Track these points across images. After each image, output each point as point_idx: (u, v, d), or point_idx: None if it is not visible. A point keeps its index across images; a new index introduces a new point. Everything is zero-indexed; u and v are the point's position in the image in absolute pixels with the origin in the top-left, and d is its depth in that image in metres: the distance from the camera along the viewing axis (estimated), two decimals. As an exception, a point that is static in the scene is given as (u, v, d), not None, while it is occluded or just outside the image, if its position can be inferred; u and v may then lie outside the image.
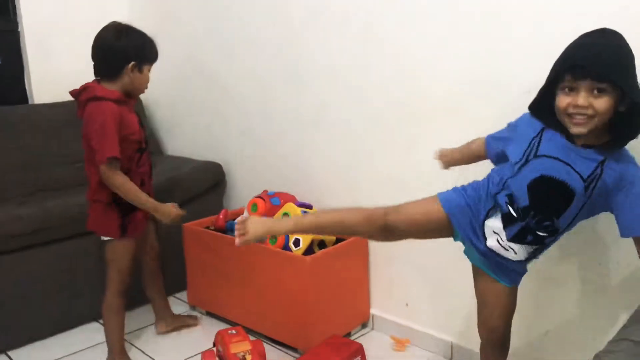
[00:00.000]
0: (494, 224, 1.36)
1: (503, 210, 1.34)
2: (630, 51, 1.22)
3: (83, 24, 2.90)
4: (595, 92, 1.20)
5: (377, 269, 2.16)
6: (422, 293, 2.03)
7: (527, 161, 1.31)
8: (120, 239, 1.88)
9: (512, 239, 1.35)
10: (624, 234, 1.27)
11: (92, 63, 1.90)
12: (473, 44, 1.75)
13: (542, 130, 1.32)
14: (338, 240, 2.12)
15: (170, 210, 1.94)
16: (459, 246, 1.86)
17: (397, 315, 2.13)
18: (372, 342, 2.10)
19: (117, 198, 1.84)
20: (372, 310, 2.21)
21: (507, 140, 1.41)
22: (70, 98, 2.71)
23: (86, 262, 2.26)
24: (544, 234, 1.33)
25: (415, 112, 1.94)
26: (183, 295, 2.54)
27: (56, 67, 2.84)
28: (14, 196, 2.42)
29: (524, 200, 1.30)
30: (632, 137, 1.25)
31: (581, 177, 1.25)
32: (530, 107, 1.34)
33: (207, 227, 2.39)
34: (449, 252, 1.89)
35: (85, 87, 1.86)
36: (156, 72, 3.11)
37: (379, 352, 2.01)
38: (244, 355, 1.75)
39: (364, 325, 2.22)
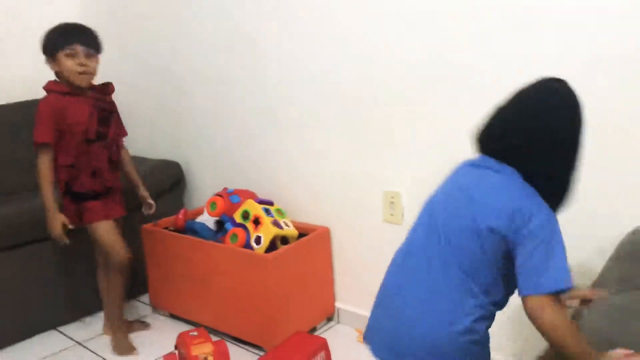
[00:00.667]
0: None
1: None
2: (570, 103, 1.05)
3: (35, 26, 2.82)
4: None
5: (341, 262, 2.16)
6: (386, 285, 2.03)
7: None
8: (86, 225, 1.99)
9: None
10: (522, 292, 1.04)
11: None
12: (431, 34, 1.74)
13: None
14: (301, 235, 2.10)
15: (55, 225, 1.90)
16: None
17: (363, 308, 2.12)
18: (338, 335, 2.09)
19: (68, 187, 1.95)
20: (337, 304, 2.20)
21: None
22: (24, 99, 2.66)
23: (43, 268, 2.19)
24: None
25: (371, 109, 1.93)
26: (145, 298, 2.49)
27: (7, 68, 2.75)
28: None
29: None
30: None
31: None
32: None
33: (166, 228, 2.34)
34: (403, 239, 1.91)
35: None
36: (112, 71, 3.05)
37: (344, 345, 2.01)
38: (205, 357, 1.72)
39: (329, 319, 2.22)
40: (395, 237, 1.92)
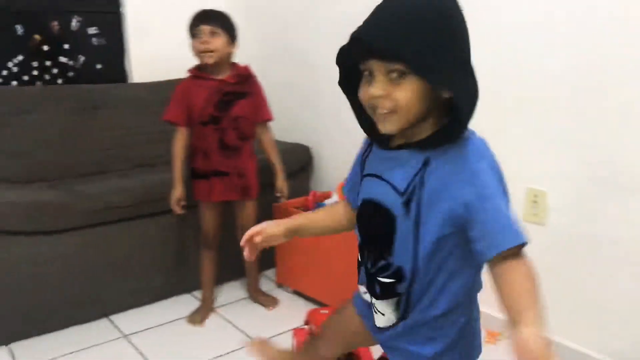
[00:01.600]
0: (362, 283, 1.06)
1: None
2: (446, 17, 0.87)
3: (180, 7, 3.01)
4: (395, 75, 0.86)
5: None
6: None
7: (359, 188, 1.02)
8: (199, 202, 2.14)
9: (369, 293, 1.02)
10: (481, 259, 0.90)
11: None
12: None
13: (370, 145, 1.04)
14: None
15: (172, 197, 2.08)
16: (560, 239, 1.80)
17: (489, 307, 2.06)
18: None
19: (191, 164, 2.11)
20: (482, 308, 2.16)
21: (357, 174, 1.07)
22: (167, 78, 2.84)
23: (186, 233, 2.34)
24: (388, 280, 0.97)
25: (516, 101, 1.86)
26: (270, 273, 2.60)
27: (154, 48, 2.95)
28: (114, 170, 2.55)
29: (358, 235, 1.02)
30: (455, 129, 0.90)
31: (397, 191, 0.92)
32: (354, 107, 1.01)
33: (297, 208, 2.42)
34: (549, 243, 1.84)
35: None
36: (244, 52, 3.18)
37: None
38: (337, 336, 1.76)
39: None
40: (536, 238, 1.86)
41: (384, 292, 0.98)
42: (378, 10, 0.88)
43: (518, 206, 1.88)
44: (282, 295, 2.43)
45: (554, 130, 1.78)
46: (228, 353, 1.97)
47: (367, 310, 1.07)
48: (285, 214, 2.38)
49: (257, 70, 3.05)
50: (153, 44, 2.94)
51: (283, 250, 2.43)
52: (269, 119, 2.18)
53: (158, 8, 2.93)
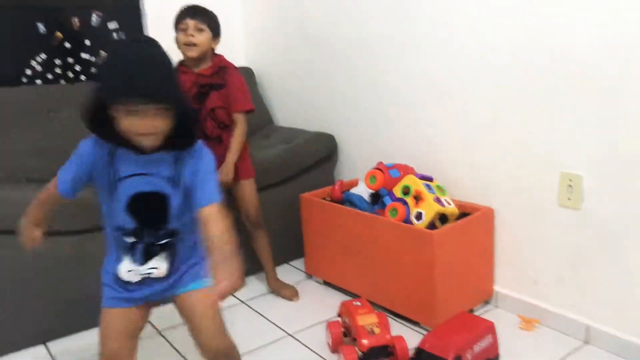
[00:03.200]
0: (125, 264, 1.35)
1: (125, 247, 1.34)
2: (169, 58, 1.24)
3: (198, 1, 2.99)
4: (156, 111, 1.19)
5: (502, 245, 2.08)
6: (553, 270, 1.93)
7: (115, 188, 1.30)
8: None
9: (145, 261, 1.35)
10: (195, 210, 1.29)
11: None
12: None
13: (111, 152, 1.30)
14: (463, 215, 2.05)
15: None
16: (596, 223, 1.76)
17: (523, 293, 2.04)
18: (496, 320, 1.99)
19: None
20: (496, 287, 2.13)
21: (84, 174, 1.33)
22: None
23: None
24: (167, 240, 1.35)
25: (554, 82, 1.80)
26: (298, 263, 2.59)
27: (174, 42, 2.93)
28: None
29: (130, 223, 1.32)
30: (191, 138, 1.30)
31: (165, 178, 1.30)
32: (96, 133, 1.28)
33: (324, 198, 2.40)
34: (585, 227, 1.79)
35: None
36: (265, 42, 3.14)
37: (505, 331, 1.93)
38: (371, 328, 1.75)
39: (486, 302, 2.16)
40: (571, 224, 1.83)
41: (163, 250, 1.35)
42: (130, 61, 1.18)
43: (552, 191, 1.84)
44: (311, 286, 2.42)
45: (587, 112, 1.72)
46: (261, 347, 1.97)
47: (128, 293, 1.38)
48: (311, 204, 2.37)
49: (278, 61, 3.04)
50: (173, 38, 2.92)
51: (311, 240, 2.42)
52: (239, 111, 2.11)
53: (177, 1, 2.90)
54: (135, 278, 1.36)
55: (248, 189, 2.22)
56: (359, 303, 1.87)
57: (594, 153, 1.74)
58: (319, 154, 2.66)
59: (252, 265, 2.43)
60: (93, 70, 2.76)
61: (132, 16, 2.86)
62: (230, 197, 2.19)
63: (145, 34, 2.88)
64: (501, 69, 1.93)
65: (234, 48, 2.99)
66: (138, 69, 1.18)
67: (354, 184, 2.47)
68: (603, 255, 1.77)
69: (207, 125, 2.09)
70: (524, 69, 1.86)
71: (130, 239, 1.34)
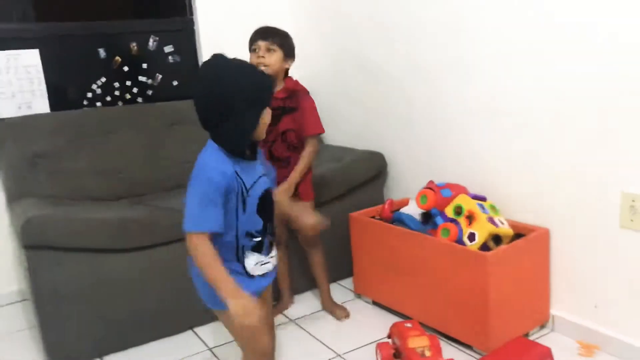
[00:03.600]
0: (252, 259, 1.41)
1: (251, 246, 1.41)
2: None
3: (250, 22, 3.06)
4: None
5: (559, 267, 2.01)
6: (614, 294, 1.85)
7: (245, 197, 1.37)
8: None
9: (269, 253, 1.46)
10: None
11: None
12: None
13: (234, 167, 1.35)
14: (517, 235, 2.00)
15: None
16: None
17: (582, 317, 1.96)
18: (553, 345, 1.93)
19: None
20: (552, 311, 2.06)
21: (223, 204, 1.34)
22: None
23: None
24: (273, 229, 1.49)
25: (614, 100, 1.74)
26: (347, 282, 2.58)
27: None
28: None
29: (259, 224, 1.41)
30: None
31: (268, 177, 1.47)
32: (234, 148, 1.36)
33: (373, 217, 2.39)
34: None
35: None
36: (316, 63, 3.18)
37: (563, 356, 1.86)
38: (422, 350, 1.72)
39: (542, 326, 2.08)
40: (634, 246, 1.75)
41: (274, 239, 1.49)
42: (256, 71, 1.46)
43: (612, 212, 1.77)
44: (360, 305, 2.40)
45: (652, 130, 1.66)
46: (311, 366, 1.96)
47: (255, 287, 1.43)
48: (361, 223, 2.36)
49: (328, 80, 3.07)
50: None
51: (360, 259, 2.40)
52: (311, 134, 2.13)
53: (229, 24, 2.99)
54: (261, 270, 1.44)
55: (312, 208, 2.22)
56: (410, 325, 1.84)
57: (658, 172, 1.66)
58: (368, 173, 2.65)
59: (306, 281, 2.45)
60: (150, 92, 2.86)
61: (186, 39, 2.97)
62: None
63: (200, 56, 2.98)
64: (558, 89, 1.88)
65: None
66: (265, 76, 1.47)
67: (404, 203, 2.45)
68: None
69: (277, 147, 2.11)
70: (582, 87, 1.81)
71: (258, 239, 1.42)
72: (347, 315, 2.31)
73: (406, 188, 2.60)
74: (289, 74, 2.16)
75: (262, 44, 2.05)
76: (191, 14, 2.97)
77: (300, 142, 2.13)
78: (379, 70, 2.65)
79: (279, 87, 2.11)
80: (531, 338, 2.01)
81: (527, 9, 1.93)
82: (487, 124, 2.18)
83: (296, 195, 2.13)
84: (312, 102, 2.16)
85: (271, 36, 2.06)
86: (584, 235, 1.90)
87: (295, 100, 2.13)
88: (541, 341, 1.98)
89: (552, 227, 2.00)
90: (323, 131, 2.17)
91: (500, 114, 2.11)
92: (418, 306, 2.14)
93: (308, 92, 2.18)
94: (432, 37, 2.33)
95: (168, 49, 2.93)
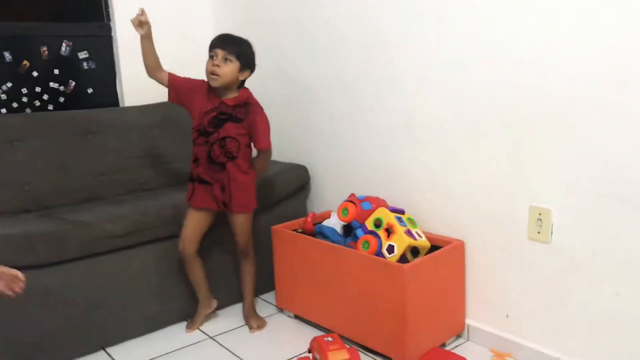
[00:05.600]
0: None
1: None
2: None
3: (170, 30, 2.98)
4: None
5: (473, 277, 2.08)
6: (524, 303, 1.93)
7: None
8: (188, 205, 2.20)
9: None
10: None
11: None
12: (601, 38, 1.62)
13: None
14: (434, 248, 2.05)
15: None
16: (571, 254, 1.77)
17: (495, 327, 2.03)
18: (469, 354, 2.01)
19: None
20: (468, 321, 2.12)
21: None
22: (160, 100, 2.80)
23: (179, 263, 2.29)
24: None
25: (518, 118, 1.83)
26: (269, 297, 2.55)
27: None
28: (109, 196, 2.50)
29: None
30: None
31: None
32: None
33: (295, 230, 2.38)
34: (558, 260, 1.80)
35: None
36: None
37: (477, 365, 1.93)
38: (342, 364, 1.71)
39: (458, 336, 2.14)
40: (541, 257, 1.84)
41: None
42: None
43: (522, 224, 1.86)
44: (282, 320, 2.38)
45: (559, 146, 1.75)
46: (230, 384, 1.91)
47: None
48: (283, 236, 2.34)
49: (255, 91, 3.02)
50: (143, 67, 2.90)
51: (282, 273, 2.38)
52: (262, 148, 2.17)
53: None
54: None
55: (246, 222, 2.23)
56: (330, 338, 1.83)
57: (563, 188, 1.76)
58: (292, 186, 2.64)
59: (229, 296, 2.41)
60: (62, 99, 2.72)
61: (103, 46, 2.84)
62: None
63: (118, 64, 2.86)
64: (472, 104, 1.96)
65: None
66: None
67: (327, 216, 2.45)
68: (573, 288, 1.78)
69: (215, 150, 2.10)
70: (495, 103, 1.90)
71: None
72: (259, 327, 2.29)
73: (329, 201, 2.62)
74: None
75: (219, 52, 2.03)
76: (108, 19, 2.85)
77: (238, 151, 2.11)
78: (302, 83, 2.66)
79: (232, 95, 2.11)
80: (447, 348, 2.06)
81: (443, 24, 2.00)
82: (405, 138, 2.23)
83: (228, 206, 2.15)
84: (266, 117, 2.16)
85: (230, 46, 2.05)
86: (495, 247, 1.98)
87: (245, 112, 2.11)
88: (457, 351, 2.04)
89: (466, 239, 2.07)
90: (270, 146, 2.19)
91: (417, 128, 2.17)
92: (339, 319, 2.14)
93: (261, 107, 2.17)
94: (354, 51, 2.36)
95: (82, 54, 2.80)
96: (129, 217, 2.18)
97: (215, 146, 2.10)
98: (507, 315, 1.99)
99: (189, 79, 2.17)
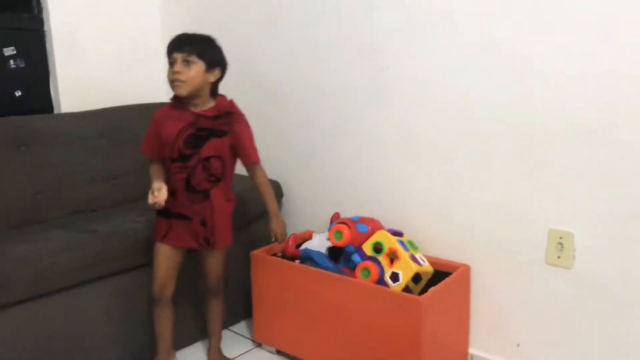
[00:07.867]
0: None
1: None
2: None
3: (115, 23, 2.61)
4: None
5: (479, 304, 1.93)
6: (539, 332, 1.81)
7: None
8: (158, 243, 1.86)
9: None
10: None
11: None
12: (630, 52, 1.52)
13: None
14: (437, 273, 1.88)
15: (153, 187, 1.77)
16: (597, 279, 1.66)
17: (504, 356, 1.90)
18: (476, 386, 1.87)
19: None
20: (471, 350, 1.98)
21: None
22: (104, 105, 2.44)
23: (146, 296, 1.95)
24: None
25: (535, 134, 1.71)
26: (241, 328, 2.27)
27: (85, 71, 2.53)
28: (48, 219, 2.12)
29: None
30: None
31: None
32: None
33: (275, 255, 2.12)
34: (582, 286, 1.70)
35: None
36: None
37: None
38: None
39: (461, 367, 1.99)
40: (560, 283, 1.72)
41: None
42: None
43: (538, 249, 1.73)
44: (262, 356, 2.12)
45: (579, 167, 1.65)
46: None
47: None
48: (264, 262, 2.08)
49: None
50: (84, 66, 2.52)
51: (261, 303, 2.11)
52: (254, 162, 1.91)
53: (89, 24, 2.51)
54: None
55: (220, 259, 1.95)
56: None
57: (587, 210, 1.65)
58: (263, 204, 2.37)
59: (183, 335, 2.10)
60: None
61: (33, 40, 2.42)
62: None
63: (52, 62, 2.45)
64: (480, 122, 1.82)
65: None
66: None
67: (307, 236, 2.22)
68: (598, 316, 1.68)
69: (197, 175, 1.79)
70: (506, 120, 1.76)
71: None
72: None
73: (305, 221, 2.38)
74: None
75: (177, 56, 1.72)
76: (39, 11, 2.43)
77: (223, 172, 1.83)
78: (276, 91, 2.40)
79: (208, 104, 1.80)
80: (453, 381, 1.91)
81: (448, 30, 1.84)
82: (399, 153, 2.05)
83: (217, 241, 1.86)
84: (249, 126, 1.89)
85: (187, 45, 1.73)
86: (506, 272, 1.85)
87: (228, 123, 1.81)
88: (464, 384, 1.89)
89: (472, 264, 1.92)
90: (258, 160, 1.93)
91: (415, 144, 2.00)
92: (333, 355, 1.92)
93: (244, 115, 1.89)
94: (344, 59, 2.15)
95: (9, 51, 2.36)
96: (80, 246, 1.82)
97: (197, 170, 1.78)
98: (518, 344, 1.86)
99: (149, 130, 1.86)
